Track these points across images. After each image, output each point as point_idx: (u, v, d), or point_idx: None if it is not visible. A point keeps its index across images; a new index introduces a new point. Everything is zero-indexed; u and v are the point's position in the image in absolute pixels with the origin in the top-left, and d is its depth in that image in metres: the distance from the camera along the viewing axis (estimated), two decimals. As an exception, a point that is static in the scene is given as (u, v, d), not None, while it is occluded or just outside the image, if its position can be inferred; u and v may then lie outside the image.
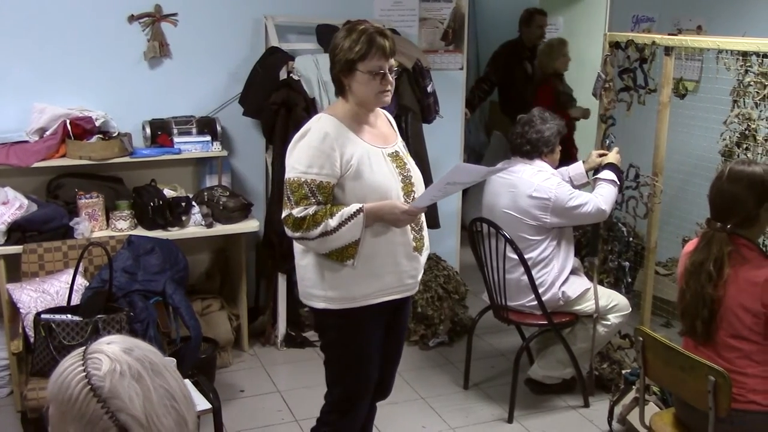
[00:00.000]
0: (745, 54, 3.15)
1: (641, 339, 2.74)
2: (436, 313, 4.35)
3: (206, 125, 4.13)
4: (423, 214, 2.65)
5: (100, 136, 3.87)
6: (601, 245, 3.93)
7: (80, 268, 3.30)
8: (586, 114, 5.40)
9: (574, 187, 3.63)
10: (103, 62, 4.02)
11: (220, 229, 3.97)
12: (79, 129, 3.81)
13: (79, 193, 3.77)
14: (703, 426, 2.52)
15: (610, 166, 3.61)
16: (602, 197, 3.49)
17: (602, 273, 3.97)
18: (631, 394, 3.35)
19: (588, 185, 3.71)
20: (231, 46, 4.27)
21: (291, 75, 4.03)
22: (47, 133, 3.79)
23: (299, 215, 2.44)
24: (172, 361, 2.70)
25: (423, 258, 2.67)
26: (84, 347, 1.17)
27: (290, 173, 2.48)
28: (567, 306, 3.58)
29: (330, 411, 2.74)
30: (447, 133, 4.83)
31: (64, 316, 3.08)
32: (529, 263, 3.47)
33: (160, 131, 4.03)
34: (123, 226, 3.79)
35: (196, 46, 4.19)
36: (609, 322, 3.64)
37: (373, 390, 2.74)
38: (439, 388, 3.93)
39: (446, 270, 4.62)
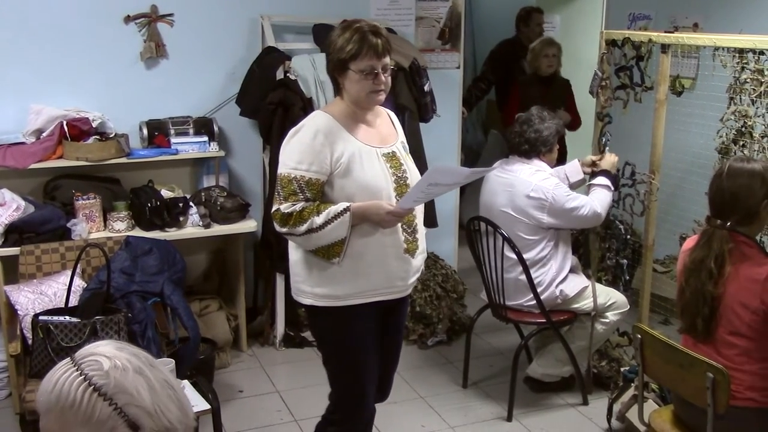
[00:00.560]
0: (741, 51, 3.15)
1: (639, 336, 2.74)
2: (434, 312, 4.35)
3: (203, 126, 4.13)
4: (418, 217, 2.61)
5: (97, 137, 3.86)
6: (598, 245, 3.93)
7: (78, 270, 3.29)
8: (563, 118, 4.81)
9: (570, 184, 3.64)
10: (99, 63, 4.02)
11: (218, 229, 3.97)
12: (76, 130, 3.81)
13: (77, 194, 3.76)
14: (702, 423, 2.52)
15: (604, 172, 3.63)
16: (598, 201, 3.51)
17: (600, 271, 3.97)
18: (630, 392, 3.35)
19: (584, 182, 3.72)
20: (227, 46, 4.27)
21: (288, 75, 4.03)
22: (44, 134, 3.78)
23: (286, 211, 2.45)
24: (169, 362, 2.71)
25: (416, 261, 2.63)
26: (69, 357, 1.16)
27: (281, 169, 2.49)
28: (565, 304, 3.58)
29: (334, 411, 2.74)
30: (444, 132, 4.83)
31: (62, 318, 3.07)
32: (527, 263, 3.47)
33: (157, 132, 4.02)
34: (120, 227, 3.79)
35: (193, 46, 4.19)
36: (607, 320, 3.64)
37: (374, 390, 2.72)
38: (438, 387, 3.93)
39: (444, 269, 4.62)
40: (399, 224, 2.52)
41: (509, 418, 3.61)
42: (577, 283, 3.59)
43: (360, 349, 2.62)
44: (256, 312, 4.44)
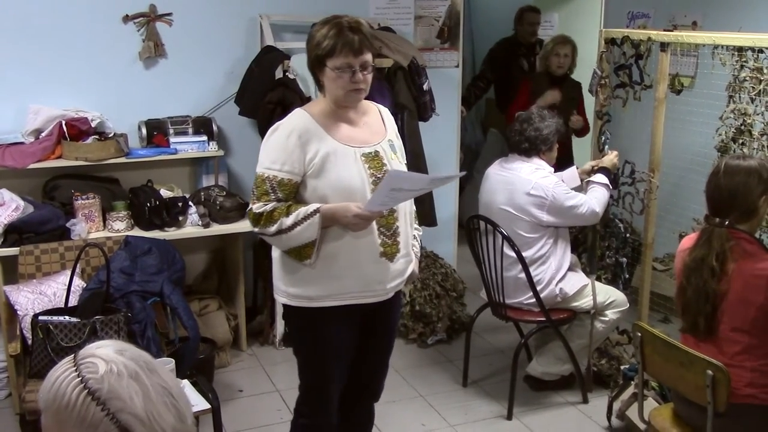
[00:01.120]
0: (740, 49, 3.15)
1: (639, 335, 2.75)
2: (434, 311, 4.36)
3: (202, 125, 4.13)
4: (400, 220, 2.52)
5: (96, 136, 3.86)
6: (597, 244, 3.93)
7: (77, 270, 3.29)
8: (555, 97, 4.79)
9: None
10: (98, 63, 4.02)
11: (217, 229, 3.97)
12: (75, 130, 3.81)
13: (76, 194, 3.76)
14: (702, 420, 2.52)
15: (603, 170, 3.63)
16: (596, 200, 3.52)
17: (600, 269, 3.98)
18: (630, 390, 3.36)
19: (580, 189, 3.72)
20: (226, 46, 4.27)
21: (287, 74, 4.02)
22: (43, 134, 3.78)
23: (258, 211, 2.43)
24: (169, 362, 2.71)
25: (396, 264, 2.54)
26: (73, 355, 1.16)
27: (257, 167, 2.48)
28: (565, 302, 3.59)
29: (302, 402, 2.74)
30: (443, 130, 4.83)
31: (61, 318, 3.07)
32: (527, 261, 3.47)
33: (156, 131, 4.02)
34: (120, 226, 3.79)
35: (192, 45, 4.19)
36: (607, 318, 3.64)
37: (338, 390, 2.69)
38: (438, 386, 3.93)
39: (444, 267, 4.62)
40: (375, 227, 2.46)
41: (509, 417, 3.61)
42: (576, 281, 3.59)
43: (327, 350, 2.59)
44: (256, 311, 4.44)
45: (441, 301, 4.41)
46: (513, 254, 3.47)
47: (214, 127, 4.15)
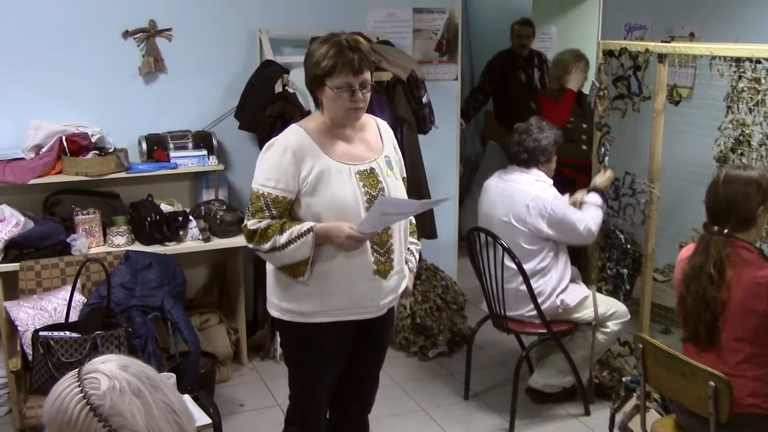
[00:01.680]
0: (738, 60, 3.17)
1: (641, 346, 2.74)
2: (435, 324, 4.35)
3: (202, 139, 4.14)
4: (394, 237, 2.52)
5: (96, 152, 3.87)
6: (597, 255, 3.93)
7: (78, 285, 3.29)
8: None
9: None
10: (98, 78, 4.03)
11: (218, 243, 3.97)
12: (75, 145, 3.81)
13: (76, 209, 3.76)
14: (705, 432, 2.51)
15: (596, 190, 3.65)
16: (591, 219, 3.55)
17: (600, 280, 3.97)
18: (632, 402, 3.34)
19: None
20: (226, 60, 4.28)
21: (286, 88, 4.04)
22: (43, 149, 3.79)
23: (252, 227, 2.44)
24: (170, 377, 2.71)
25: (390, 282, 2.54)
26: (77, 369, 1.17)
27: (253, 183, 2.49)
28: (566, 314, 3.58)
29: (292, 411, 2.77)
30: (443, 143, 4.84)
31: (62, 333, 3.07)
32: (528, 273, 3.47)
33: (156, 146, 4.03)
34: (120, 241, 3.79)
35: (191, 60, 4.20)
36: (608, 330, 3.64)
37: (327, 400, 2.72)
38: (439, 399, 3.92)
39: (444, 280, 4.62)
40: (369, 245, 2.46)
41: (511, 430, 3.60)
42: (577, 292, 3.59)
43: (318, 364, 2.60)
44: (257, 325, 4.43)
45: (442, 313, 4.41)
46: (514, 266, 3.47)
47: (214, 142, 4.16)
